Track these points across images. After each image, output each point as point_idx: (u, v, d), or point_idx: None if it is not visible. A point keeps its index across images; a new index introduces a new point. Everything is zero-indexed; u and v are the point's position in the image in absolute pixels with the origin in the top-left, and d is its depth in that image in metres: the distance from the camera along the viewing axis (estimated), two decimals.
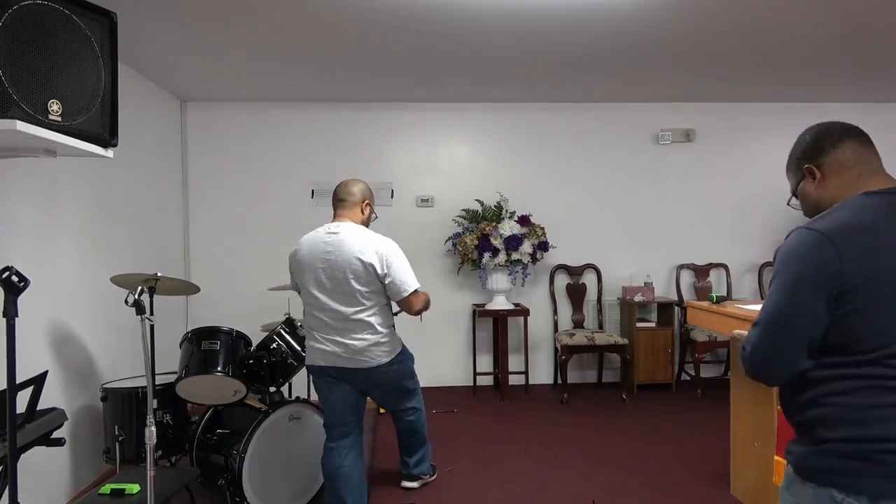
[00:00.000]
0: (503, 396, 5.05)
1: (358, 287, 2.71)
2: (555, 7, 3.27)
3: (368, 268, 2.70)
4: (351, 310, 2.73)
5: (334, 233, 2.78)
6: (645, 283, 5.27)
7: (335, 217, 2.88)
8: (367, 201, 2.93)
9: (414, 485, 3.39)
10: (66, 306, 3.38)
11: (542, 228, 5.07)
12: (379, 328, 2.78)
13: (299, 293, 2.95)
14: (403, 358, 2.96)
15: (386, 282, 2.75)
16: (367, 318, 2.75)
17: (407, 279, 2.77)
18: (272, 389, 3.28)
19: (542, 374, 5.53)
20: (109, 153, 2.12)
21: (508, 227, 4.94)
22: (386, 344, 2.80)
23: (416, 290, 2.81)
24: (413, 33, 3.64)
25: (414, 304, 2.83)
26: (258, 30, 3.53)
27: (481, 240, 4.93)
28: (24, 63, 1.73)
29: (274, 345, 3.30)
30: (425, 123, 5.42)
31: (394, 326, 2.92)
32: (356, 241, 2.74)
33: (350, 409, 2.89)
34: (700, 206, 5.58)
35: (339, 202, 2.89)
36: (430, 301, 2.95)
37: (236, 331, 3.23)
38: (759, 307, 3.02)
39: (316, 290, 2.77)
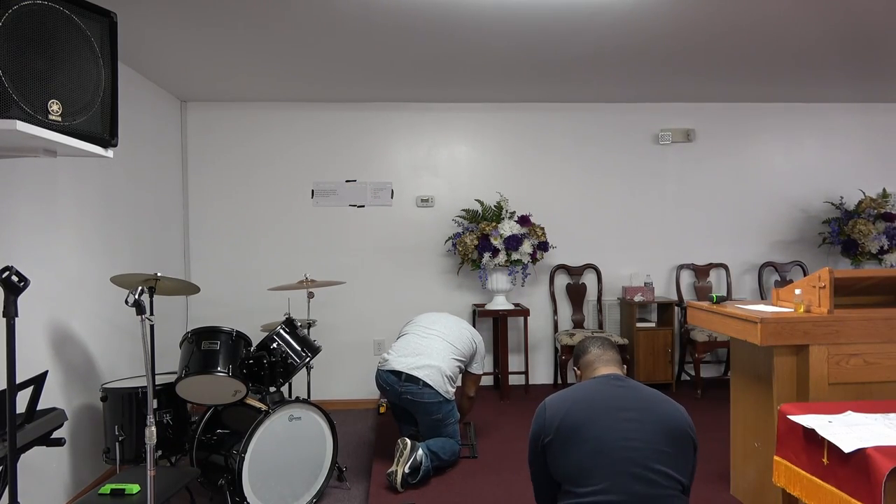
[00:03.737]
0: (503, 396, 5.05)
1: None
2: (555, 7, 3.27)
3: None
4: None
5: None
6: (645, 283, 5.27)
7: None
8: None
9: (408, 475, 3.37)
10: (66, 306, 3.38)
11: (542, 228, 5.07)
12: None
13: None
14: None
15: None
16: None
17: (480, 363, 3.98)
18: (272, 389, 3.29)
19: (543, 374, 5.53)
20: (109, 153, 2.12)
21: (508, 227, 4.94)
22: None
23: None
24: (413, 34, 3.64)
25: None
26: (258, 30, 3.53)
27: (481, 240, 4.93)
28: (24, 63, 1.74)
29: (274, 345, 3.31)
30: (425, 123, 5.42)
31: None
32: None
33: None
34: (700, 206, 5.58)
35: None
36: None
37: (236, 331, 3.23)
38: (758, 307, 3.03)
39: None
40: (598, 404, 1.93)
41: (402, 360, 3.59)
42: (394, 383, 3.56)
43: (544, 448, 1.93)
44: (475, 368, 3.92)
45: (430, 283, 5.40)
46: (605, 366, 2.11)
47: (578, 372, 2.20)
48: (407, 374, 3.52)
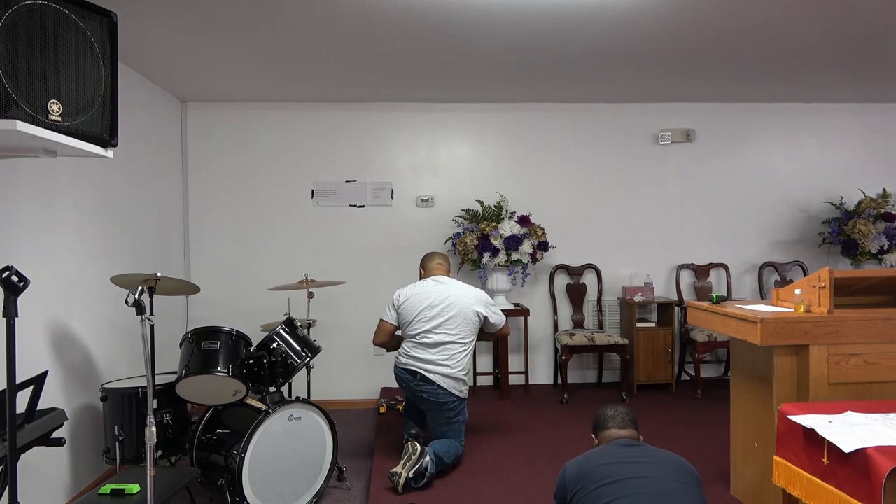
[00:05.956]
0: (503, 396, 5.05)
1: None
2: (554, 7, 3.27)
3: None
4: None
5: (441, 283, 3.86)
6: (645, 283, 5.27)
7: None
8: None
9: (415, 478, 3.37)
10: (66, 306, 3.38)
11: (542, 228, 5.07)
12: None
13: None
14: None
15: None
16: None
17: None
18: (272, 389, 3.29)
19: (542, 374, 5.53)
20: (109, 153, 2.12)
21: (508, 227, 4.94)
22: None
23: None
24: (413, 34, 3.64)
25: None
26: (258, 30, 3.53)
27: (481, 240, 4.93)
28: (24, 63, 1.73)
29: (274, 345, 3.31)
30: (425, 123, 5.42)
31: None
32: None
33: None
34: (700, 206, 5.58)
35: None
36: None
37: (236, 331, 3.23)
38: (758, 307, 3.03)
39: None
40: (614, 454, 2.18)
41: (416, 357, 3.63)
42: (409, 381, 3.64)
43: (571, 500, 2.17)
44: (492, 326, 3.83)
45: None
46: (616, 435, 2.34)
47: (596, 441, 2.40)
48: (422, 374, 3.59)
